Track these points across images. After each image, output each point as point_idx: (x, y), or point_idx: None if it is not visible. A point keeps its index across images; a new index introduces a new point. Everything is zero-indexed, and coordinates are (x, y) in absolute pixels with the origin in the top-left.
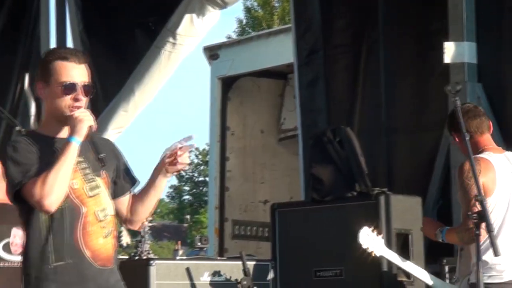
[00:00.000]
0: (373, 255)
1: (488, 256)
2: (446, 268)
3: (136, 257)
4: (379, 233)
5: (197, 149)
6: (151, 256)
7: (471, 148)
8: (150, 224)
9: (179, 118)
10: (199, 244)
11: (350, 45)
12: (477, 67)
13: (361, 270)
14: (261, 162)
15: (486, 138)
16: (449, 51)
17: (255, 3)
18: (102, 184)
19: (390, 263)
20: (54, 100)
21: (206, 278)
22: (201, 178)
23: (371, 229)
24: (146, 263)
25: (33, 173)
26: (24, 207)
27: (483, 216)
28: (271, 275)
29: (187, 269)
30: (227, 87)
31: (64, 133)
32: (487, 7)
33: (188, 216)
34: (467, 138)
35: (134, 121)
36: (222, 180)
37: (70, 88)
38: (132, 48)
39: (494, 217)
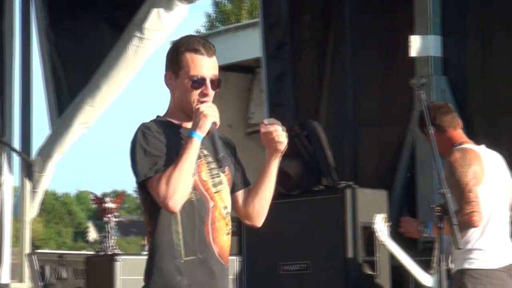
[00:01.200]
0: (382, 242)
1: (480, 243)
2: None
3: (102, 253)
4: (387, 221)
5: None
6: (117, 251)
7: (446, 142)
8: (116, 220)
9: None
10: None
11: (318, 39)
12: (442, 61)
13: (327, 264)
14: None
15: (460, 133)
16: (415, 44)
17: None
18: (225, 181)
19: (355, 257)
20: (182, 93)
21: None
22: None
23: (383, 216)
24: (111, 258)
25: (160, 166)
26: (149, 197)
27: (446, 209)
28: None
29: None
30: None
31: (190, 123)
32: (452, 1)
33: None
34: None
35: (102, 115)
36: None
37: (198, 83)
38: (99, 43)
39: (484, 206)
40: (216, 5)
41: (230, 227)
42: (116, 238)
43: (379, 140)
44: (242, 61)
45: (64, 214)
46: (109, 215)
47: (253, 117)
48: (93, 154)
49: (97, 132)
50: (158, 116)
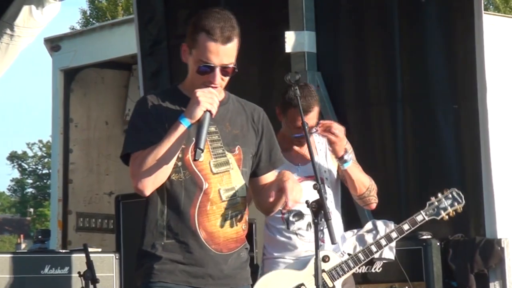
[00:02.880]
0: None
1: None
2: None
3: None
4: None
5: (40, 141)
6: None
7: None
8: None
9: (22, 111)
10: (39, 237)
11: None
12: (316, 56)
13: None
14: (106, 154)
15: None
16: (290, 40)
17: None
18: (233, 161)
19: None
20: (192, 71)
21: (47, 271)
22: (45, 171)
23: None
24: None
25: (142, 144)
26: None
27: (321, 204)
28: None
29: (27, 262)
30: (70, 78)
31: None
32: None
33: (31, 209)
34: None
35: None
36: (66, 172)
37: (205, 69)
38: None
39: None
40: (92, 1)
41: (239, 211)
42: None
43: None
44: (119, 57)
45: None
46: None
47: (130, 114)
48: None
49: None
50: (172, 85)
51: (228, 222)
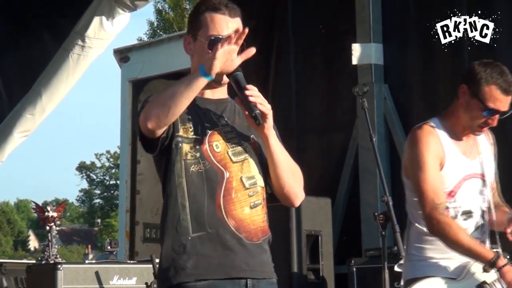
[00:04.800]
0: None
1: None
2: (354, 269)
3: (43, 262)
4: None
5: (108, 152)
6: (59, 260)
7: None
8: (58, 228)
9: (90, 121)
10: (108, 247)
11: (261, 45)
12: (383, 68)
13: None
14: None
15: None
16: (357, 52)
17: (166, 6)
18: (250, 149)
19: (300, 264)
20: (200, 56)
21: (115, 281)
22: (112, 182)
23: None
24: (53, 267)
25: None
26: (160, 162)
27: (389, 217)
28: None
29: (96, 273)
30: (138, 89)
31: (207, 93)
32: (392, 9)
33: (98, 220)
34: None
35: (44, 123)
36: (133, 183)
37: (216, 44)
38: (39, 50)
39: None
40: (159, 13)
41: (260, 199)
42: (58, 247)
43: (323, 147)
44: (186, 69)
45: (3, 223)
46: (50, 224)
47: None
48: (34, 162)
49: (37, 139)
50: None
51: (254, 210)
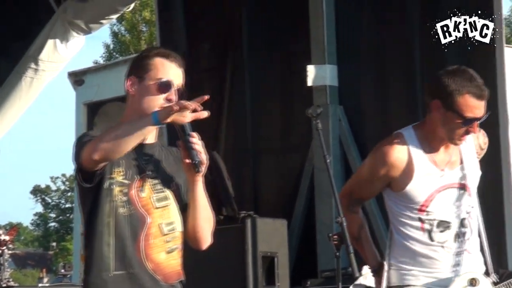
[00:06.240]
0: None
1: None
2: None
3: None
4: None
5: (63, 175)
6: (11, 284)
7: None
8: (10, 252)
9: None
10: (62, 271)
11: (216, 68)
12: (338, 90)
13: None
14: None
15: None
16: (311, 74)
17: (122, 28)
18: (171, 196)
19: (256, 286)
20: (145, 97)
21: None
22: (68, 205)
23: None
24: None
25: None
26: (87, 195)
27: (343, 237)
28: None
29: None
30: (93, 112)
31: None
32: (346, 30)
33: (54, 244)
34: None
35: None
36: None
37: (165, 86)
38: None
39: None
40: (115, 35)
41: (178, 244)
42: (11, 270)
43: (279, 169)
44: None
45: None
46: (2, 248)
47: None
48: None
49: None
50: None
51: (170, 255)
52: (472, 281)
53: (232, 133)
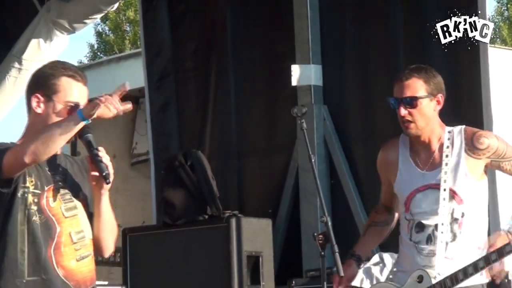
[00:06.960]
0: None
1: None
2: None
3: None
4: None
5: None
6: None
7: None
8: None
9: None
10: None
11: (200, 68)
12: (323, 89)
13: None
14: (114, 187)
15: None
16: (296, 73)
17: (106, 28)
18: (80, 206)
19: (241, 285)
20: (55, 118)
21: None
22: None
23: None
24: None
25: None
26: (2, 205)
27: (328, 237)
28: None
29: None
30: None
31: None
32: (330, 29)
33: None
34: None
35: None
36: None
37: (74, 109)
38: None
39: None
40: (99, 35)
41: (89, 251)
42: None
43: (264, 169)
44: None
45: None
46: None
47: (137, 147)
48: None
49: None
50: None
51: (81, 262)
52: (419, 278)
53: (217, 133)
